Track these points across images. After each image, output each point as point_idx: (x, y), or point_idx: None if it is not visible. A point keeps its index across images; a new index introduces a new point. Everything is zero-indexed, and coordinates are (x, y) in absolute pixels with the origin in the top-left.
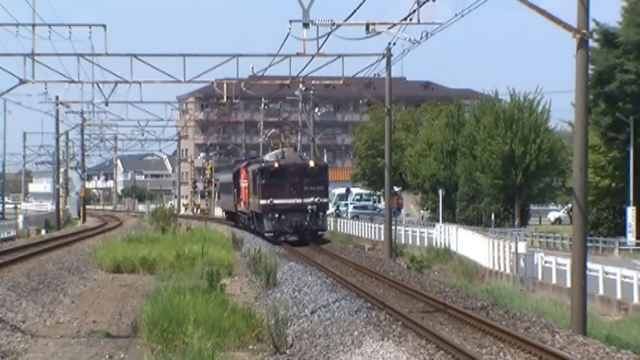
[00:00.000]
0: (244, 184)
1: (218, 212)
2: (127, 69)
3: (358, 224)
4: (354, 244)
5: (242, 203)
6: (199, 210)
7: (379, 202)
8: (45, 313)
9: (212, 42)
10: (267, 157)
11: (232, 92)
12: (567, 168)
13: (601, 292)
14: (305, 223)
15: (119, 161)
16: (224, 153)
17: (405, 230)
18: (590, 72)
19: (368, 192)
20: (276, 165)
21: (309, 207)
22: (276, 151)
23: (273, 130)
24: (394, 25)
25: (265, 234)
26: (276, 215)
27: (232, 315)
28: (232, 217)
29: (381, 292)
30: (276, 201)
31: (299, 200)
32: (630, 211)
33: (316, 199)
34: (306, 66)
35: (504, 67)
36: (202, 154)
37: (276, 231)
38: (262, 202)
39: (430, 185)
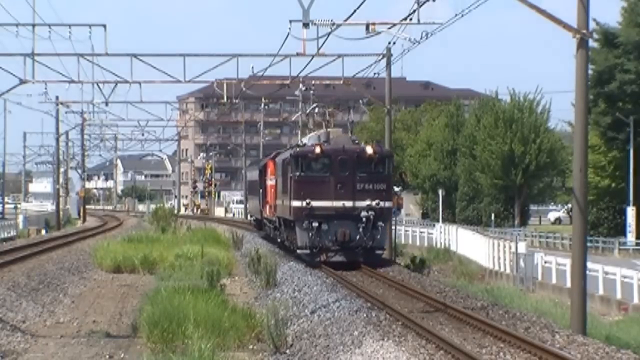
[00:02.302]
0: (270, 181)
1: (218, 212)
2: (127, 69)
3: None
4: None
5: (267, 207)
6: (199, 210)
7: None
8: (45, 313)
9: (212, 42)
10: (305, 140)
11: (232, 92)
12: (567, 168)
13: (601, 292)
14: (357, 237)
15: (119, 161)
16: (224, 153)
17: (405, 230)
18: (590, 72)
19: None
20: (317, 151)
21: (364, 213)
22: (318, 132)
23: (315, 104)
24: (394, 25)
25: (298, 251)
26: (315, 224)
27: (232, 315)
28: (260, 225)
29: (381, 292)
30: (316, 203)
31: (349, 204)
32: (630, 211)
33: (374, 202)
34: (306, 66)
35: (504, 67)
36: (202, 154)
37: (314, 247)
38: (295, 204)
39: (430, 185)
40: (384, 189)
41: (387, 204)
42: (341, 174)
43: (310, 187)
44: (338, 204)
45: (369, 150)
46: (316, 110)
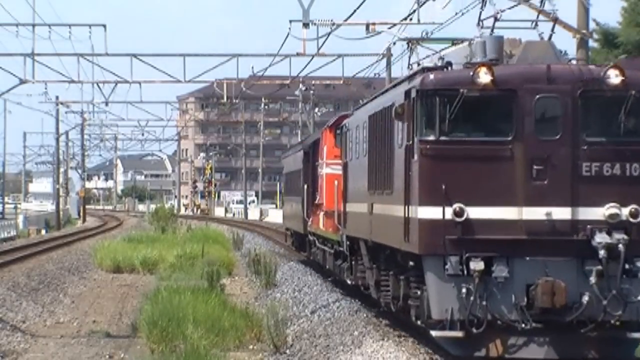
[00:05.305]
0: (327, 169)
1: (218, 212)
2: (127, 69)
3: None
4: None
5: (319, 216)
6: (199, 211)
7: None
8: (45, 313)
9: (212, 42)
10: (448, 54)
11: (232, 92)
12: None
13: None
14: (586, 298)
15: (119, 161)
16: (224, 153)
17: None
18: None
19: None
20: (483, 78)
21: (602, 238)
22: (476, 40)
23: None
24: (394, 25)
25: (433, 333)
26: (477, 266)
27: (231, 315)
28: (302, 244)
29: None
30: (477, 212)
31: (561, 213)
32: None
33: (628, 210)
34: (306, 66)
35: None
36: (202, 154)
37: (476, 324)
38: (425, 213)
39: None
40: None
41: None
42: (541, 137)
43: (461, 173)
44: (535, 213)
45: (615, 76)
46: None
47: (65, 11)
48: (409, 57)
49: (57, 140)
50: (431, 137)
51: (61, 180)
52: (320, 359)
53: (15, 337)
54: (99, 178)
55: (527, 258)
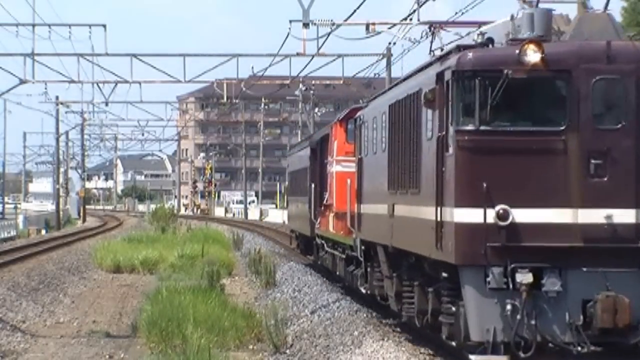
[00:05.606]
0: (337, 166)
1: (218, 212)
2: (127, 69)
3: None
4: None
5: (328, 218)
6: (199, 211)
7: None
8: (45, 313)
9: (212, 42)
10: (486, 29)
11: (232, 92)
12: None
13: None
14: None
15: (119, 161)
16: (224, 153)
17: None
18: None
19: None
20: (532, 57)
21: None
22: (524, 10)
23: None
24: (394, 25)
25: (474, 358)
26: (524, 279)
27: (231, 315)
28: (308, 247)
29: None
30: (523, 215)
31: (623, 216)
32: None
33: None
34: (306, 66)
35: None
36: (202, 154)
37: (524, 346)
38: (462, 216)
39: None
40: None
41: None
42: (600, 126)
43: (506, 169)
44: (593, 216)
45: None
46: None
47: (65, 11)
48: (431, 43)
49: (57, 140)
50: (469, 127)
51: (61, 180)
52: (320, 359)
53: (15, 337)
54: (99, 178)
55: (584, 269)
